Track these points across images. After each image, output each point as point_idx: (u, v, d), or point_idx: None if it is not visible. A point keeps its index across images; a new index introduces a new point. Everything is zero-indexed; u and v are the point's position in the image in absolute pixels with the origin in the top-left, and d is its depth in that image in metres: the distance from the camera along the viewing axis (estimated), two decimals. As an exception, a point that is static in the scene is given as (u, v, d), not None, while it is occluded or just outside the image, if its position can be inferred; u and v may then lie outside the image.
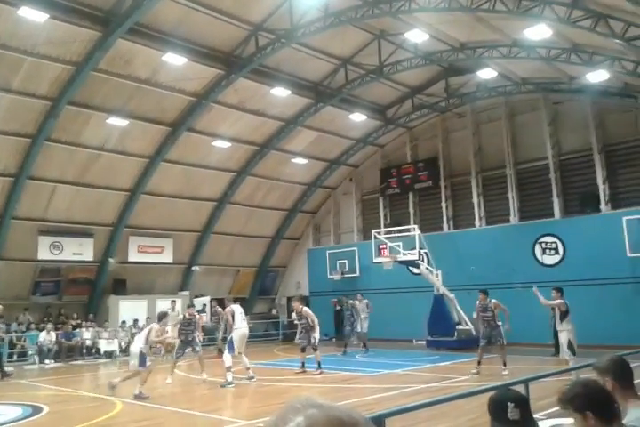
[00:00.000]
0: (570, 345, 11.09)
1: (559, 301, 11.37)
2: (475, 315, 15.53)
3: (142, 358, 11.32)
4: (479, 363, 12.87)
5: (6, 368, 15.51)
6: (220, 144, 21.48)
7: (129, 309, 20.92)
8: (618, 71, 16.66)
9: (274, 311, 27.54)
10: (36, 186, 19.09)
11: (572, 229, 18.91)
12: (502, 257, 19.92)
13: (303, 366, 14.12)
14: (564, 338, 11.27)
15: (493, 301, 13.18)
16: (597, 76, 17.09)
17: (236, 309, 13.10)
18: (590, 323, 15.55)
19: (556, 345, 15.38)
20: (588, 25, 13.72)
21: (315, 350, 14.07)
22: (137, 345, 11.72)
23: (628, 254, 17.07)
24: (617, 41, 14.13)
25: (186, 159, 21.60)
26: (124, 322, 20.60)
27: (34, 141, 17.82)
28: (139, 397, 10.84)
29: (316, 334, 14.24)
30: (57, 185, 19.63)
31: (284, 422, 0.94)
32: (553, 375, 7.14)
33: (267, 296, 28.15)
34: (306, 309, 14.57)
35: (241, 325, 12.78)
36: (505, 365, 12.65)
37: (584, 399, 2.60)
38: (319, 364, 13.71)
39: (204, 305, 23.06)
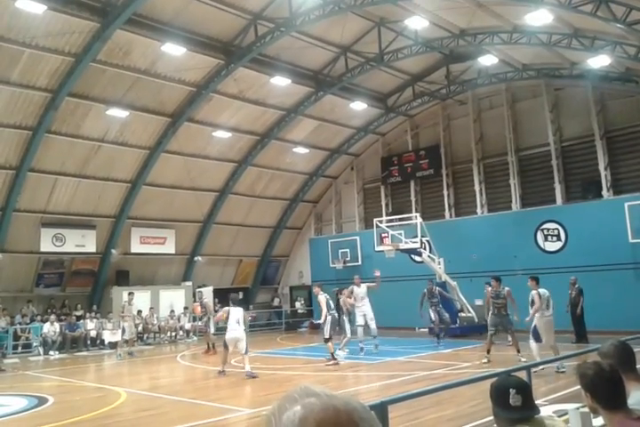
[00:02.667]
0: (535, 332, 11.09)
1: (534, 292, 11.35)
2: (482, 302, 15.53)
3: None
4: (489, 351, 12.73)
5: (1, 364, 15.10)
6: (221, 134, 21.45)
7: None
8: (619, 56, 16.54)
9: (276, 301, 27.64)
10: (37, 178, 19.09)
11: (574, 216, 18.88)
12: (504, 244, 19.92)
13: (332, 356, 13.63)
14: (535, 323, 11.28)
15: (507, 288, 13.10)
16: (599, 62, 16.98)
17: (233, 311, 12.59)
18: (593, 309, 15.58)
19: (577, 332, 15.42)
20: (589, 9, 13.60)
21: (325, 341, 13.75)
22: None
23: (631, 240, 17.06)
24: (618, 25, 14.00)
25: (186, 150, 21.55)
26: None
27: (34, 134, 17.80)
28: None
29: (326, 326, 13.72)
30: (58, 177, 19.64)
31: (281, 411, 0.94)
32: (555, 361, 7.16)
33: (269, 286, 28.24)
34: (320, 297, 14.13)
35: (232, 327, 12.44)
36: (519, 351, 12.57)
37: (586, 380, 2.68)
38: (332, 355, 13.46)
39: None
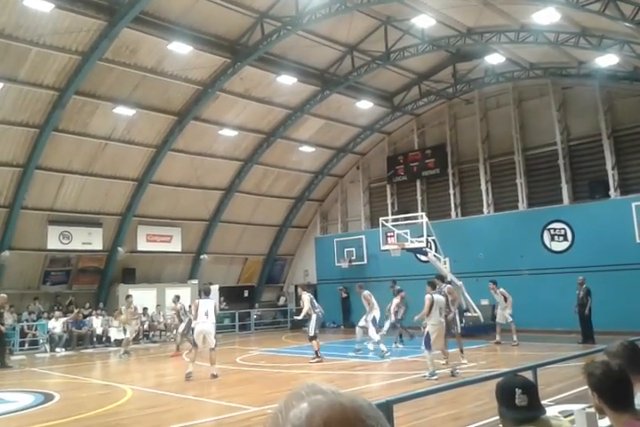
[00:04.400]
0: (427, 339, 10.95)
1: (427, 296, 11.19)
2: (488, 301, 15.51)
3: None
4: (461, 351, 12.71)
5: (8, 361, 15.21)
6: (227, 133, 21.46)
7: (138, 297, 20.91)
8: (627, 55, 16.44)
9: (282, 299, 27.66)
10: (44, 176, 19.17)
11: (581, 216, 18.82)
12: (511, 244, 19.87)
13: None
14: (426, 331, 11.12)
15: (448, 286, 12.96)
16: (607, 61, 16.88)
17: (202, 303, 12.22)
18: (600, 309, 15.52)
19: (584, 332, 15.37)
20: (597, 8, 13.51)
21: (310, 339, 13.93)
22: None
23: (638, 240, 16.99)
24: (626, 24, 13.91)
25: (193, 148, 21.60)
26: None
27: (41, 132, 17.86)
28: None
29: (311, 324, 13.98)
30: (65, 175, 19.70)
31: (287, 408, 0.94)
32: (561, 362, 7.14)
33: (275, 284, 28.26)
34: (304, 296, 14.47)
35: (200, 320, 12.07)
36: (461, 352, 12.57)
37: (594, 380, 2.66)
38: (316, 352, 13.67)
39: None
